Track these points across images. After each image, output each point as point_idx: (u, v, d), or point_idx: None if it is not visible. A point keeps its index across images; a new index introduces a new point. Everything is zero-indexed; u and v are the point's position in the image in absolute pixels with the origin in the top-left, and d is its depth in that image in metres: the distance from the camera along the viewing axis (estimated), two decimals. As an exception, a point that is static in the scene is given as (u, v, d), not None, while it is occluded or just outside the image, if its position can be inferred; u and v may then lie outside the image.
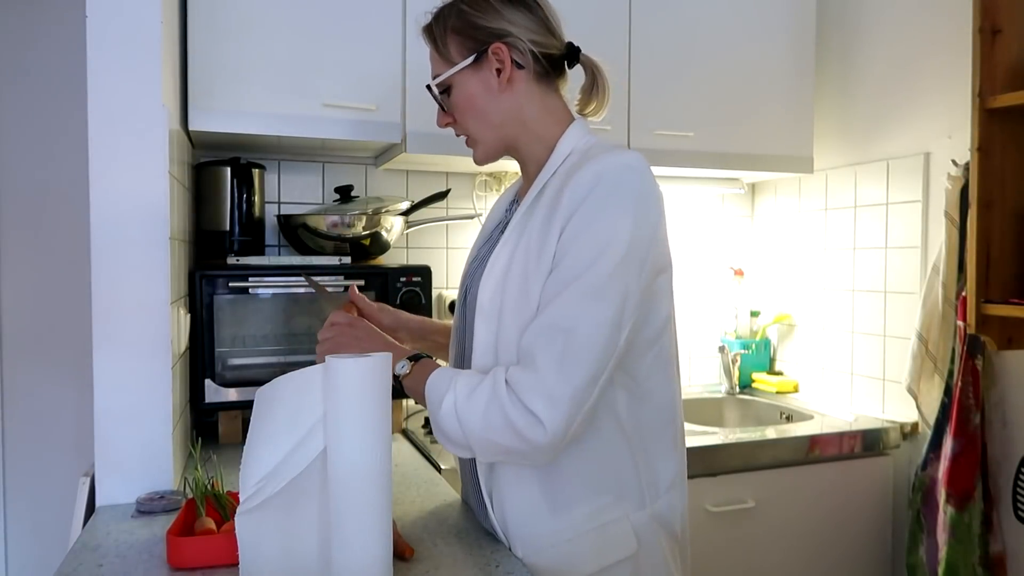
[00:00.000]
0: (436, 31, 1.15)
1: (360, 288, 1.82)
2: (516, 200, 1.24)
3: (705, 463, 1.82)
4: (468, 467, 1.19)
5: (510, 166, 2.14)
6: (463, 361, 1.18)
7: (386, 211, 1.95)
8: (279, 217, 1.99)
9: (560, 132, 1.14)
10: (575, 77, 1.20)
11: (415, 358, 1.10)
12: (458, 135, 1.20)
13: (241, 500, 0.92)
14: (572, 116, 1.17)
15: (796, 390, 2.44)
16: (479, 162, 1.19)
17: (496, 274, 1.08)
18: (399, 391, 1.07)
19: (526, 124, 1.14)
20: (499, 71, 1.11)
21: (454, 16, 1.13)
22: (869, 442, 1.99)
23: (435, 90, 1.16)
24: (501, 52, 1.11)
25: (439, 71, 1.15)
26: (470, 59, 1.11)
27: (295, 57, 1.75)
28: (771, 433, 1.97)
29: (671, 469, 1.14)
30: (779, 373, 2.53)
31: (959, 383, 1.72)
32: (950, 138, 1.97)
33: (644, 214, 1.02)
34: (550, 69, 1.15)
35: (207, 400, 1.70)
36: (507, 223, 1.19)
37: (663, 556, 1.11)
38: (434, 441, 1.78)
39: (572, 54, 1.17)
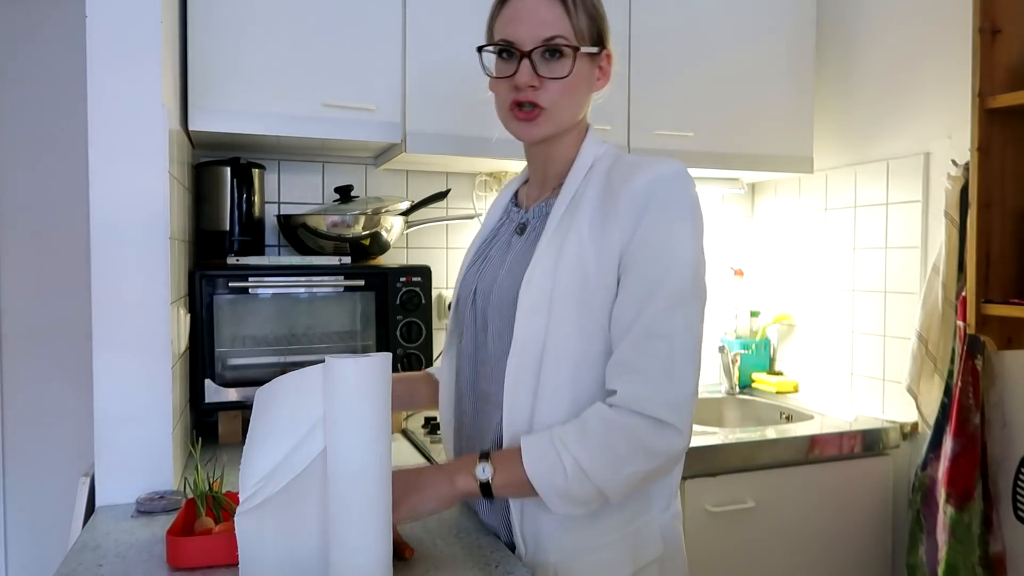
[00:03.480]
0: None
1: (360, 288, 1.82)
2: (516, 201, 1.23)
3: (705, 463, 1.82)
4: None
5: (510, 166, 2.14)
6: (475, 356, 1.16)
7: (386, 211, 1.95)
8: (279, 217, 1.99)
9: (582, 139, 1.17)
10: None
11: (485, 455, 1.02)
12: (526, 102, 1.09)
13: (241, 500, 0.92)
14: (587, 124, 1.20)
15: (796, 390, 2.44)
16: (534, 137, 1.12)
17: (540, 275, 1.06)
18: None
19: (577, 125, 1.16)
20: (599, 73, 1.15)
21: (591, 2, 1.13)
22: (869, 442, 1.99)
23: (545, 44, 1.07)
24: (610, 59, 1.16)
25: (565, 33, 1.08)
26: (594, 49, 1.12)
27: (295, 57, 1.75)
28: (771, 433, 1.97)
29: (680, 468, 1.17)
30: (779, 373, 2.53)
31: (959, 383, 1.72)
32: (950, 138, 1.97)
33: (699, 220, 1.07)
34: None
35: (207, 400, 1.70)
36: (523, 223, 1.17)
37: (683, 555, 1.15)
38: (434, 441, 1.78)
39: None
